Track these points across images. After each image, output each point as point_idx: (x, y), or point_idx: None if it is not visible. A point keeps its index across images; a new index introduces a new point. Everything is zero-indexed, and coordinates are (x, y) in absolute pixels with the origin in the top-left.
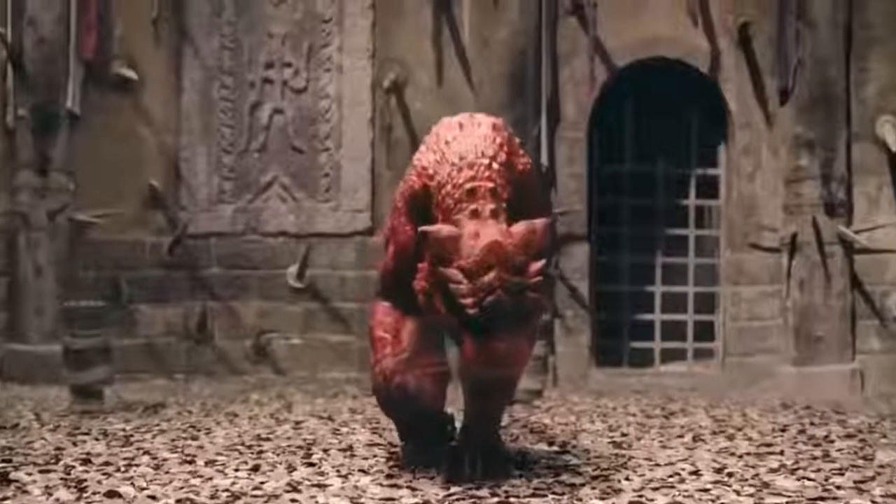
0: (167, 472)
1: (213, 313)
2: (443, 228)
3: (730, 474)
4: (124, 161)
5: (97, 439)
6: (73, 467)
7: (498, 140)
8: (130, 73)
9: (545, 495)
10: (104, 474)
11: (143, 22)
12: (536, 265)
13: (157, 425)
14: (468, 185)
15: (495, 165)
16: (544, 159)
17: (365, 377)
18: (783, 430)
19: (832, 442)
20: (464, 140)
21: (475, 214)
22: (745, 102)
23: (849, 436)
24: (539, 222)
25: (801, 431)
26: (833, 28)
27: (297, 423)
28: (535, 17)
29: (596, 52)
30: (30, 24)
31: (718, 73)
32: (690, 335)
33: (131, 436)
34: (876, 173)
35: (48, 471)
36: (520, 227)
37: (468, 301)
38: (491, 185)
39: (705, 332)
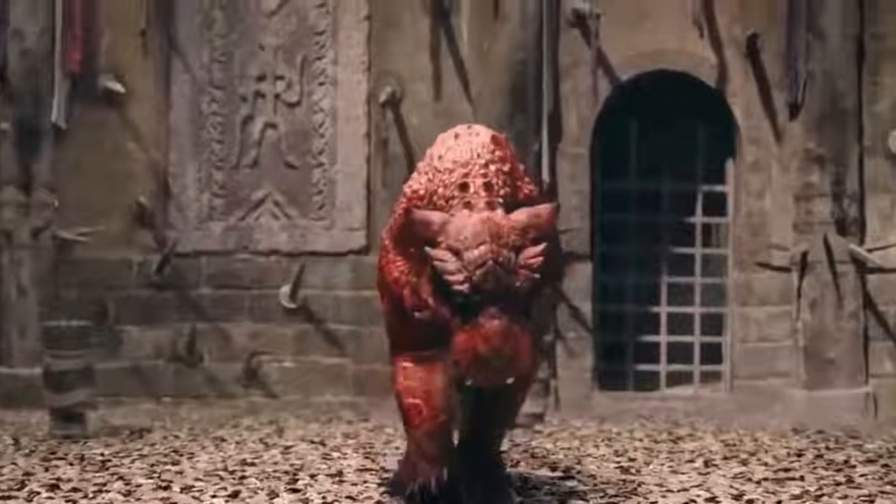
0: (138, 499)
1: (202, 335)
2: (430, 212)
3: (749, 501)
4: (111, 177)
5: (71, 464)
6: (38, 494)
7: (498, 153)
8: (117, 87)
9: None
10: (69, 501)
11: (130, 33)
12: (536, 248)
13: (139, 450)
14: (460, 181)
15: (492, 167)
16: (545, 175)
17: (361, 400)
18: (799, 455)
19: (853, 467)
20: (458, 148)
21: (468, 206)
22: (754, 116)
23: (869, 461)
24: (542, 207)
25: (819, 456)
26: (844, 39)
27: (286, 447)
28: (535, 29)
29: (599, 65)
30: (14, 36)
31: (725, 86)
32: (697, 358)
33: (108, 461)
34: (889, 190)
35: (9, 497)
36: (520, 212)
37: (457, 278)
38: (485, 179)
39: (712, 354)
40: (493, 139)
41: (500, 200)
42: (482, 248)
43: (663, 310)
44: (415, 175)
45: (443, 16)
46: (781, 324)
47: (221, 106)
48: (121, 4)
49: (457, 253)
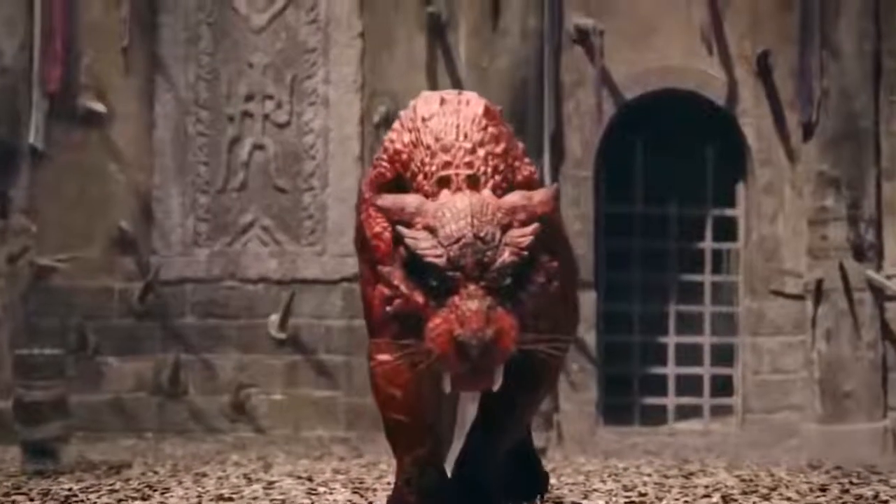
0: None
1: (187, 366)
2: (403, 196)
3: None
4: (91, 201)
5: (32, 500)
6: None
7: (491, 129)
8: (99, 106)
9: None
10: None
11: (112, 51)
12: (526, 228)
13: (111, 485)
14: (441, 173)
15: (480, 153)
16: None
17: (353, 435)
18: (823, 490)
19: (885, 502)
20: (444, 119)
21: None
22: (766, 137)
23: None
24: (538, 191)
25: (845, 491)
26: (860, 56)
27: (270, 483)
28: (537, 45)
29: (603, 84)
30: None
31: (736, 105)
32: (707, 390)
33: (74, 496)
34: None
35: None
36: (512, 194)
37: (431, 252)
38: (469, 171)
39: (723, 386)
40: (486, 112)
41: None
42: (461, 222)
43: (671, 340)
44: (396, 126)
45: (439, 32)
46: (795, 354)
47: (207, 126)
48: (102, 20)
49: (433, 231)
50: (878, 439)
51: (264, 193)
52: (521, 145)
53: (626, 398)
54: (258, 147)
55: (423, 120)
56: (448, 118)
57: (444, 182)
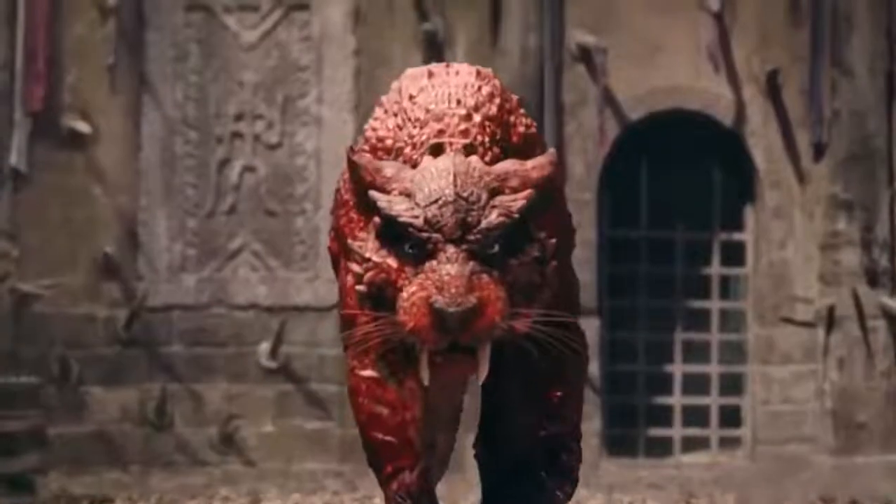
0: None
1: (173, 396)
2: (383, 161)
3: None
4: (75, 225)
5: None
6: None
7: (485, 90)
8: (83, 127)
9: None
10: None
11: (97, 69)
12: (520, 194)
13: None
14: (433, 140)
15: (476, 118)
16: None
17: (347, 468)
18: None
19: None
20: (434, 90)
21: None
22: (775, 159)
23: None
24: (537, 160)
25: None
26: (872, 75)
27: None
28: (537, 64)
29: (606, 104)
30: None
31: (744, 126)
32: (715, 421)
33: None
34: None
35: None
36: (504, 162)
37: (407, 214)
38: (465, 140)
39: (731, 417)
40: (478, 74)
41: (488, 160)
42: (442, 181)
43: (677, 369)
44: (378, 114)
45: (436, 50)
46: (806, 384)
47: (196, 147)
48: (87, 37)
49: (409, 195)
50: (893, 472)
51: (254, 217)
52: (515, 97)
53: (630, 429)
54: (248, 169)
55: (411, 98)
56: (438, 89)
57: (437, 150)
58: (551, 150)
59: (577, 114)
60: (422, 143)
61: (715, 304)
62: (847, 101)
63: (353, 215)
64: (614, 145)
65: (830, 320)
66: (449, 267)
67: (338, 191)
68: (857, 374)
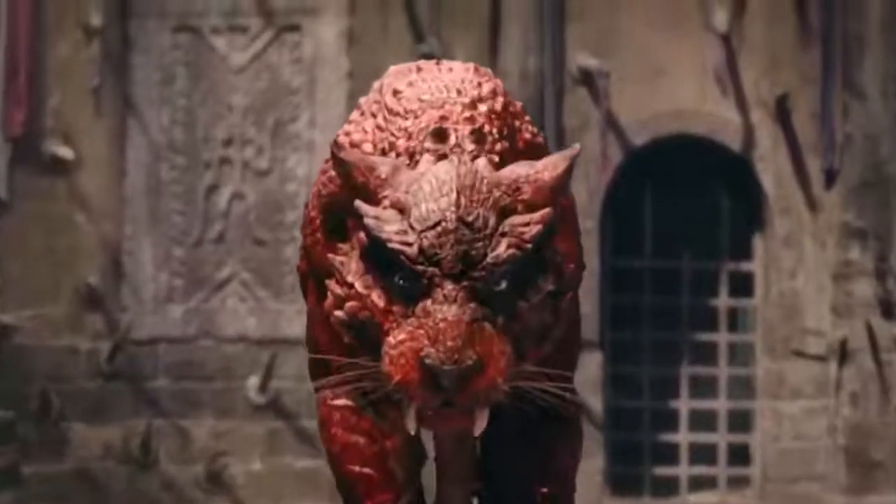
0: None
1: (158, 433)
2: (376, 157)
3: None
4: (57, 254)
5: None
6: None
7: (486, 86)
8: (65, 152)
9: None
10: None
11: (81, 91)
12: (533, 214)
13: None
14: (434, 126)
15: (482, 108)
16: None
17: None
18: None
19: None
20: (426, 83)
21: (443, 160)
22: (785, 185)
23: None
24: (548, 159)
25: None
26: (885, 98)
27: None
28: (538, 87)
29: (609, 128)
30: None
31: (752, 151)
32: (723, 459)
33: None
34: None
35: None
36: (514, 165)
37: (399, 239)
38: (472, 125)
39: (740, 455)
40: (476, 70)
41: (497, 158)
42: (442, 200)
43: (683, 404)
44: (354, 117)
45: None
46: (818, 420)
47: (183, 173)
48: (70, 59)
49: (403, 210)
50: None
51: (244, 246)
52: (518, 103)
53: (634, 467)
54: (237, 196)
55: (396, 93)
56: (432, 82)
57: (440, 136)
58: (575, 145)
59: (578, 138)
60: (420, 131)
61: (722, 337)
62: (859, 125)
63: (320, 236)
64: (617, 171)
65: (843, 353)
66: (445, 310)
67: (306, 206)
68: (871, 410)
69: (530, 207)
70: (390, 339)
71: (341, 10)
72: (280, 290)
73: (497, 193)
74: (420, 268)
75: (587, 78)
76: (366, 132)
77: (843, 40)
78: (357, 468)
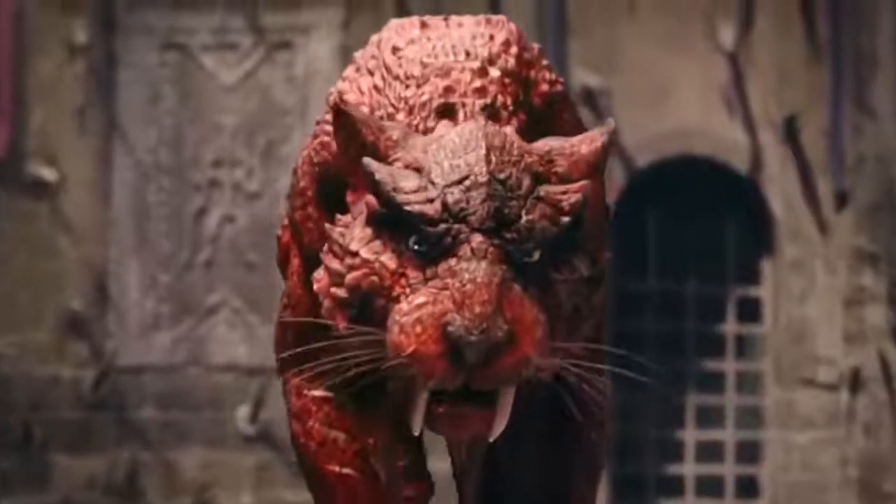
0: None
1: (145, 465)
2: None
3: None
4: (40, 278)
5: None
6: None
7: (499, 39)
8: (49, 173)
9: None
10: None
11: (66, 111)
12: (571, 185)
13: None
14: (438, 101)
15: (493, 73)
16: None
17: None
18: None
19: None
20: (430, 42)
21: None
22: (794, 208)
23: None
24: (586, 135)
25: None
26: None
27: None
28: None
29: (612, 149)
30: None
31: (760, 172)
32: (730, 491)
33: None
34: None
35: None
36: (548, 139)
37: (416, 197)
38: (483, 98)
39: (748, 487)
40: (487, 22)
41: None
42: (470, 155)
43: (689, 435)
44: (349, 73)
45: None
46: (829, 451)
47: (170, 195)
48: (54, 76)
49: (419, 170)
50: None
51: (234, 270)
52: (535, 46)
53: (639, 500)
54: (227, 219)
55: (396, 50)
56: (437, 41)
57: (446, 111)
58: (609, 120)
59: None
60: (422, 105)
61: (730, 365)
62: (871, 146)
63: (312, 211)
64: (621, 193)
65: (855, 382)
66: (474, 268)
67: (294, 172)
68: (884, 441)
69: (564, 181)
70: (402, 306)
71: (334, 27)
72: (271, 316)
73: (529, 159)
74: (443, 226)
75: (589, 97)
76: (362, 92)
77: (854, 58)
78: (336, 468)
